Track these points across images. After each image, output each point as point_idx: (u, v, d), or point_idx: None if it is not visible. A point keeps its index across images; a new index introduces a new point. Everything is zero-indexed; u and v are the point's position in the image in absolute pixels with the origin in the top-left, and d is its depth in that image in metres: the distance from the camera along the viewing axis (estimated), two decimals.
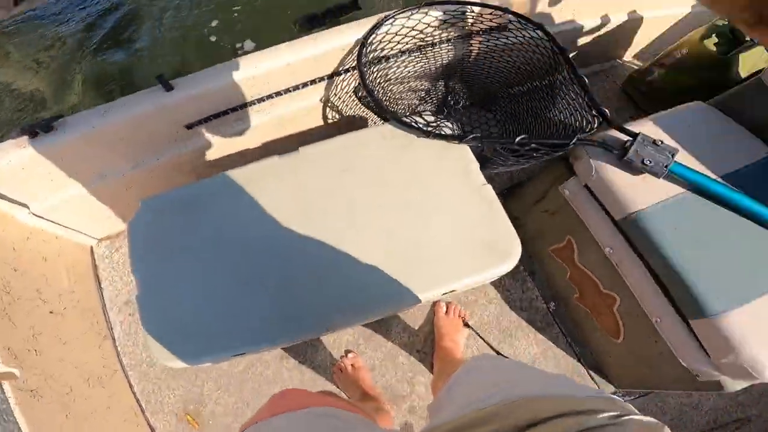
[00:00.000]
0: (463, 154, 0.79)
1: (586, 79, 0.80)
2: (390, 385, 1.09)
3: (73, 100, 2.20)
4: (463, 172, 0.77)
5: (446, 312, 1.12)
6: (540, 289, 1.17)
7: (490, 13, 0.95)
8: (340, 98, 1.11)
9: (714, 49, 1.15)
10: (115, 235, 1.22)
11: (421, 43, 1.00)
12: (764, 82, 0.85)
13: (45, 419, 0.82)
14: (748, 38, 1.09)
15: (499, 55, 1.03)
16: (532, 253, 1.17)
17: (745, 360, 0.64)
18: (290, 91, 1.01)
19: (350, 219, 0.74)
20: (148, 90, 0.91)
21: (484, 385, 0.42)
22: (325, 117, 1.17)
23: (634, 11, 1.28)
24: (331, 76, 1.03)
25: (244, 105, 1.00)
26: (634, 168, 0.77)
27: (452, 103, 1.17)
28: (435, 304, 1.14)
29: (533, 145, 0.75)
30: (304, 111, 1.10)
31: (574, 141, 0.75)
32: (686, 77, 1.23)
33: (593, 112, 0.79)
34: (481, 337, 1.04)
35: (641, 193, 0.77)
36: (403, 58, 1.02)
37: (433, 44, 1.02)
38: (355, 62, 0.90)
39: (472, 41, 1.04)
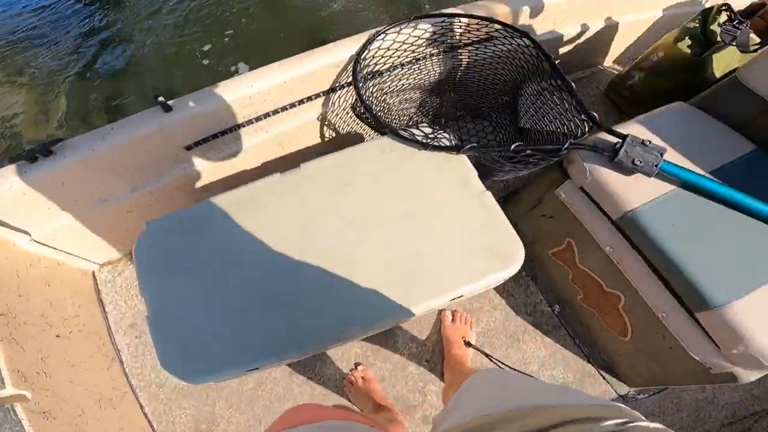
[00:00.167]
0: (462, 163, 0.81)
1: (573, 85, 0.83)
2: (401, 395, 1.08)
3: (62, 124, 2.23)
4: (462, 181, 0.79)
5: (452, 320, 1.12)
6: (543, 293, 1.18)
7: (477, 23, 0.99)
8: (337, 114, 1.13)
9: (688, 51, 1.18)
10: (116, 260, 1.21)
11: (413, 56, 1.03)
12: (740, 80, 0.87)
13: None
14: (719, 39, 1.10)
15: (488, 65, 1.07)
16: (532, 257, 1.18)
17: (755, 350, 0.65)
18: (287, 109, 1.03)
19: (353, 233, 0.75)
20: (147, 111, 0.92)
21: (491, 394, 0.42)
22: (323, 134, 1.19)
23: (610, 17, 1.32)
24: (327, 93, 1.05)
25: (241, 125, 1.01)
26: (625, 168, 0.80)
27: (448, 113, 1.20)
28: (441, 312, 1.15)
29: (528, 152, 0.78)
30: (302, 128, 1.12)
31: (567, 146, 0.77)
32: (663, 80, 1.26)
33: (582, 117, 0.82)
34: (486, 355, 1.03)
35: (635, 192, 0.79)
36: (397, 71, 1.05)
37: (425, 57, 1.05)
38: (350, 78, 0.92)
39: (462, 52, 1.08)
